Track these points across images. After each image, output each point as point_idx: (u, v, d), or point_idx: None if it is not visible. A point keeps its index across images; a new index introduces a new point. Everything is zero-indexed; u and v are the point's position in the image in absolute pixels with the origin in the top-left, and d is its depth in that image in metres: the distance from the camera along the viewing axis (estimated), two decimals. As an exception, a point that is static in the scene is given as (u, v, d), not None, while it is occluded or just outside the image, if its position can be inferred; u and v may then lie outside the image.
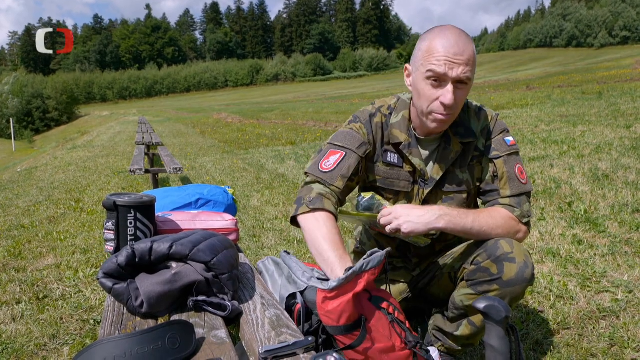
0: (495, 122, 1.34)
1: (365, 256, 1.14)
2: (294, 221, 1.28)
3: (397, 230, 1.19)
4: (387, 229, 1.21)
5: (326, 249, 1.15)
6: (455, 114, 1.23)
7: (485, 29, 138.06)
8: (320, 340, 1.01)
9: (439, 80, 1.16)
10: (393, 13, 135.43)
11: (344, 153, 1.31)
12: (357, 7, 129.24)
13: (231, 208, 1.74)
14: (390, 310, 1.20)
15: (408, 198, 1.38)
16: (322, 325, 1.09)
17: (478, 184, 1.36)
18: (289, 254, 1.32)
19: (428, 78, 1.17)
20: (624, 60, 32.29)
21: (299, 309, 1.11)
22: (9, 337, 1.87)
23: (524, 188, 1.29)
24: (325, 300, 1.07)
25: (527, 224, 1.28)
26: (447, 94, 1.15)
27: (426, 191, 1.35)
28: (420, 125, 1.29)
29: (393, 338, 1.16)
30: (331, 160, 1.31)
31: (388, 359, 1.14)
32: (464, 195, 1.35)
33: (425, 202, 1.36)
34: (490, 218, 1.24)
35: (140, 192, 1.47)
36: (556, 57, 74.96)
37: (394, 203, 1.39)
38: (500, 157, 1.30)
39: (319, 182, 1.29)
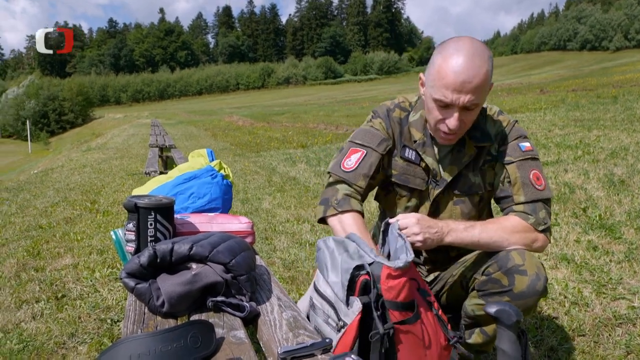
0: (512, 127, 1.33)
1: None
2: (323, 221, 1.34)
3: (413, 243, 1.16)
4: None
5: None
6: (462, 132, 1.25)
7: (498, 32, 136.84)
8: (377, 314, 1.02)
9: (446, 106, 1.18)
10: (405, 16, 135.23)
11: (365, 152, 1.33)
12: (368, 10, 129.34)
13: (225, 190, 1.64)
14: (436, 306, 1.22)
15: (422, 197, 1.38)
16: (380, 300, 1.10)
17: (490, 189, 1.35)
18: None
19: (435, 102, 1.19)
20: (640, 63, 31.76)
21: (363, 280, 1.13)
22: (30, 334, 1.92)
23: (540, 194, 1.24)
24: (389, 277, 1.08)
25: (546, 232, 1.24)
26: (452, 120, 1.18)
27: (436, 191, 1.34)
28: None
29: (438, 330, 1.17)
30: (352, 159, 1.32)
31: (432, 347, 1.15)
32: (476, 199, 1.35)
33: (436, 202, 1.36)
34: (500, 228, 1.21)
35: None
36: (570, 60, 74.02)
37: (407, 201, 1.39)
38: (513, 162, 1.28)
39: (342, 182, 1.32)
